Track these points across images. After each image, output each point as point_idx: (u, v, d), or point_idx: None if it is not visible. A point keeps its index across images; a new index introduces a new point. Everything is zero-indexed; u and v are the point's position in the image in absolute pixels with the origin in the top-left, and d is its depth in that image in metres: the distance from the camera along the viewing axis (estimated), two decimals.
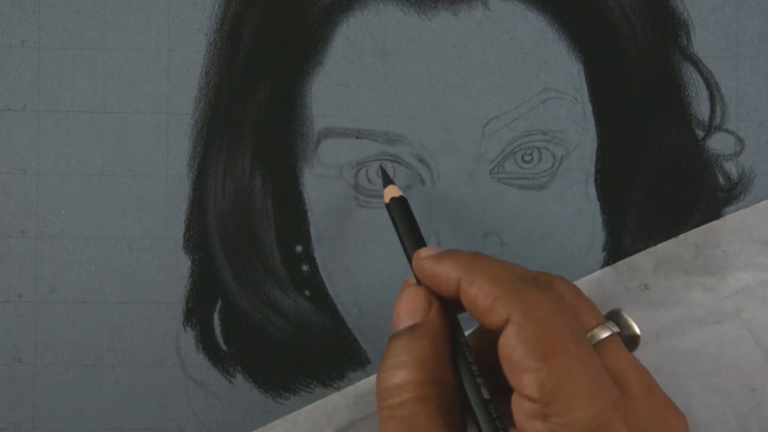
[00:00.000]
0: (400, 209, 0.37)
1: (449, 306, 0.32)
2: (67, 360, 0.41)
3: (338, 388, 0.41)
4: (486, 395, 0.29)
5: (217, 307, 0.41)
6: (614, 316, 0.30)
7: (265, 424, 0.40)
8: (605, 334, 0.29)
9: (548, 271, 0.32)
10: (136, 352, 0.41)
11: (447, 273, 0.31)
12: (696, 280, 0.41)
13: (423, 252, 0.33)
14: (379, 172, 0.40)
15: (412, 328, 0.31)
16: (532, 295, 0.29)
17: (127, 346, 0.41)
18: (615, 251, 0.42)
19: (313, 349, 0.41)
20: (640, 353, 0.37)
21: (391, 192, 0.38)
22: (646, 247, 0.42)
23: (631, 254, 0.41)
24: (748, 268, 0.41)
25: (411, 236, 0.35)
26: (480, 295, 0.29)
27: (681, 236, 0.42)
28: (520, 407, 0.28)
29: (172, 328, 0.41)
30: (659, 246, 0.42)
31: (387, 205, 0.38)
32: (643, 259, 0.41)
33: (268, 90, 0.41)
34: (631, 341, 0.30)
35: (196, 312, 0.41)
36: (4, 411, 0.40)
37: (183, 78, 0.41)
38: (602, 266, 0.42)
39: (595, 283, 0.41)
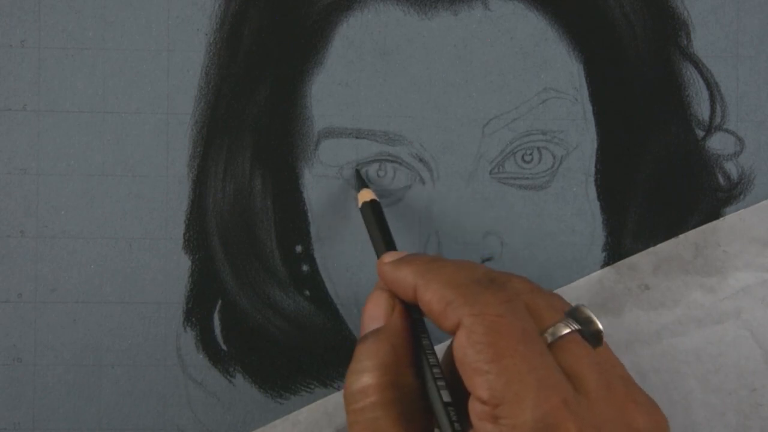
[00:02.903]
0: (370, 212, 0.38)
1: (414, 309, 0.32)
2: (67, 360, 0.41)
3: (338, 388, 0.41)
4: (446, 398, 0.29)
5: (217, 307, 0.41)
6: (575, 313, 0.30)
7: (265, 424, 0.40)
8: (564, 332, 0.29)
9: (510, 272, 0.32)
10: (136, 352, 0.41)
11: (405, 279, 0.31)
12: (696, 280, 0.41)
13: (386, 257, 0.34)
14: (355, 173, 0.41)
15: (375, 332, 0.31)
16: (483, 297, 0.29)
17: (127, 346, 0.41)
18: (615, 251, 0.42)
19: (313, 349, 0.41)
20: (641, 353, 0.37)
21: (364, 196, 0.38)
22: (646, 247, 0.42)
23: (631, 254, 0.41)
24: (748, 268, 0.41)
25: (380, 240, 0.36)
26: (433, 300, 0.29)
27: (681, 236, 0.42)
28: (473, 409, 0.28)
29: (172, 328, 0.41)
30: (659, 246, 0.42)
31: (361, 208, 0.38)
32: (643, 259, 0.41)
33: (268, 90, 0.41)
34: (594, 337, 0.30)
35: (196, 312, 0.41)
36: (4, 411, 0.40)
37: (183, 78, 0.41)
38: (602, 266, 0.42)
39: (595, 283, 0.41)
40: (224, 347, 0.41)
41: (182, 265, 0.41)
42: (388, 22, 0.41)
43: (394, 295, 0.32)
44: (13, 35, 0.41)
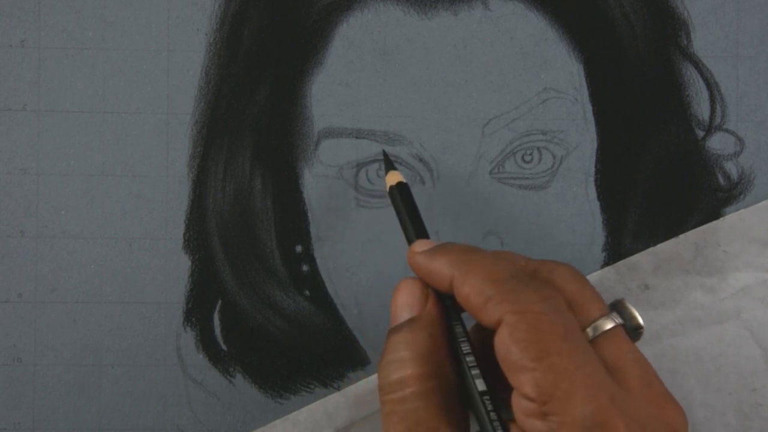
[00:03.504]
0: (401, 196, 0.36)
1: (447, 297, 0.32)
2: (67, 360, 0.41)
3: (338, 388, 0.41)
4: (482, 387, 0.29)
5: (217, 307, 0.41)
6: (618, 307, 0.30)
7: (265, 424, 0.40)
8: (608, 326, 0.29)
9: (556, 261, 0.31)
10: (136, 352, 0.41)
11: (440, 270, 0.31)
12: (696, 280, 0.41)
13: (417, 246, 0.33)
14: (383, 155, 0.39)
15: (410, 322, 0.31)
16: (525, 294, 0.28)
17: (127, 346, 0.41)
18: (615, 251, 0.42)
19: (313, 349, 0.41)
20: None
21: (393, 178, 0.37)
22: (646, 247, 0.42)
23: (631, 254, 0.41)
24: (748, 268, 0.41)
25: (410, 226, 0.35)
26: (472, 294, 0.29)
27: (681, 236, 0.42)
28: (519, 405, 0.28)
29: (172, 328, 0.41)
30: (659, 246, 0.42)
31: (390, 191, 0.37)
32: (643, 259, 0.41)
33: (268, 90, 0.41)
34: (634, 332, 0.30)
35: (196, 312, 0.41)
36: (4, 411, 0.40)
37: (183, 78, 0.41)
38: (602, 266, 0.42)
39: (595, 283, 0.41)
40: (224, 347, 0.41)
41: (182, 265, 0.41)
42: (388, 22, 0.41)
43: (426, 284, 0.32)
44: (13, 35, 0.41)
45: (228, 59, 0.41)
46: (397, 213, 0.36)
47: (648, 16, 0.42)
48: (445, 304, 0.32)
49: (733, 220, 0.42)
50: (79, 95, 0.41)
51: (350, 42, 0.41)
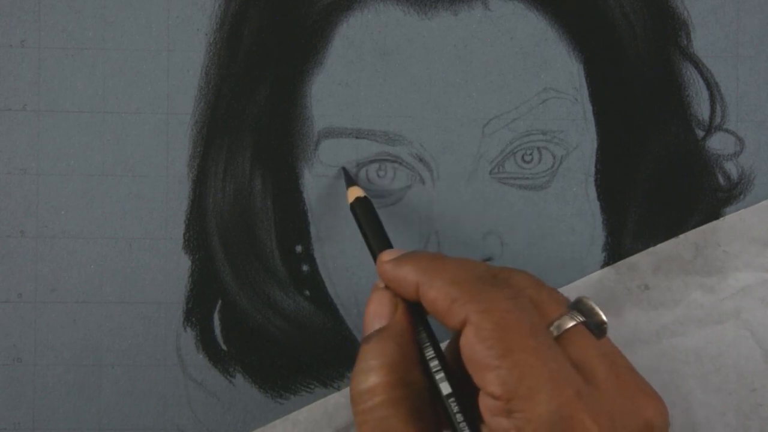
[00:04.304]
0: (363, 210, 0.37)
1: (416, 307, 0.32)
2: (67, 360, 0.41)
3: (338, 388, 0.41)
4: (446, 390, 0.29)
5: (217, 307, 0.41)
6: (578, 305, 0.30)
7: (265, 424, 0.40)
8: (569, 324, 0.29)
9: (512, 267, 0.32)
10: (136, 352, 0.41)
11: (406, 277, 0.31)
12: (696, 280, 0.41)
13: (385, 255, 0.33)
14: (341, 172, 0.41)
15: (379, 332, 0.31)
16: (489, 294, 0.29)
17: (127, 346, 0.41)
18: (615, 251, 0.42)
19: (313, 349, 0.41)
20: (640, 352, 0.37)
21: (355, 192, 0.38)
22: (646, 247, 0.42)
23: (631, 254, 0.41)
24: (748, 268, 0.41)
25: (375, 238, 0.36)
26: (438, 298, 0.29)
27: (681, 236, 0.42)
28: (485, 405, 0.28)
29: (172, 328, 0.41)
30: (659, 246, 0.42)
31: (351, 206, 0.38)
32: (643, 259, 0.41)
33: (268, 90, 0.41)
34: (598, 328, 0.30)
35: (196, 312, 0.41)
36: (4, 411, 0.40)
37: (183, 78, 0.41)
38: (602, 266, 0.42)
39: (595, 283, 0.41)
40: (224, 347, 0.41)
41: (182, 265, 0.41)
42: (388, 22, 0.41)
43: (395, 294, 0.32)
44: (13, 35, 0.41)
45: (228, 59, 0.41)
46: (360, 227, 0.37)
47: (648, 16, 0.42)
48: (415, 314, 0.32)
49: (733, 220, 0.42)
50: (79, 95, 0.41)
51: (350, 42, 0.41)
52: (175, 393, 0.41)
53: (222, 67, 0.41)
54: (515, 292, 0.29)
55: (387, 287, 0.33)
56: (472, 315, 0.28)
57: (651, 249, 0.41)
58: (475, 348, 0.28)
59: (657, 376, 0.41)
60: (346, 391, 0.41)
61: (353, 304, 0.41)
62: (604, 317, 0.30)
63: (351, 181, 0.39)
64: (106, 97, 0.41)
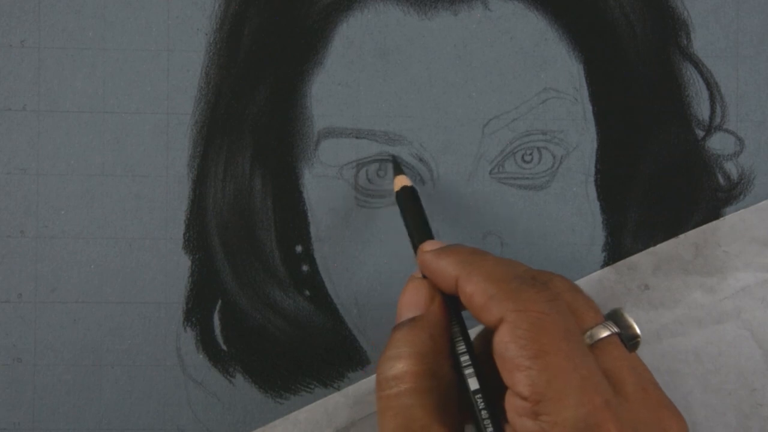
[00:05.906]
0: (409, 199, 0.37)
1: (452, 300, 0.32)
2: (67, 360, 0.41)
3: (338, 388, 0.41)
4: (474, 385, 0.29)
5: (217, 307, 0.41)
6: (614, 316, 0.30)
7: (265, 424, 0.41)
8: (604, 334, 0.29)
9: (551, 271, 0.32)
10: (136, 352, 0.41)
11: (446, 269, 0.31)
12: (696, 280, 0.41)
13: (426, 245, 0.34)
14: (392, 160, 0.41)
15: (412, 320, 0.31)
16: (527, 294, 0.29)
17: (127, 346, 0.41)
18: (615, 251, 0.42)
19: (313, 349, 0.41)
20: (640, 353, 0.37)
21: (402, 181, 0.38)
22: (646, 247, 0.42)
23: (631, 254, 0.41)
24: (748, 268, 0.41)
25: (418, 227, 0.36)
26: (476, 293, 0.29)
27: (681, 236, 0.42)
28: (512, 405, 0.28)
29: (172, 328, 0.41)
30: (659, 246, 0.42)
31: (396, 194, 0.37)
32: (643, 259, 0.41)
33: (268, 90, 0.41)
34: (631, 341, 0.30)
35: (196, 312, 0.41)
36: (4, 411, 0.40)
37: (183, 78, 0.41)
38: (602, 266, 0.42)
39: (595, 283, 0.41)
40: (224, 347, 0.41)
41: (182, 265, 0.41)
42: (388, 22, 0.41)
43: (434, 285, 0.32)
44: (13, 35, 0.41)
45: (228, 59, 0.41)
46: (404, 216, 0.37)
47: (648, 16, 0.42)
48: (451, 307, 0.32)
49: (733, 220, 0.42)
50: (79, 95, 0.41)
51: (350, 42, 0.41)
52: (175, 393, 0.41)
53: (222, 67, 0.41)
54: (553, 295, 0.29)
55: (425, 278, 0.33)
56: (508, 313, 0.28)
57: (651, 249, 0.41)
58: (508, 346, 0.27)
59: (657, 376, 0.41)
60: (346, 391, 0.41)
61: (353, 304, 0.41)
62: (638, 331, 0.30)
63: (399, 170, 0.39)
64: (106, 97, 0.41)
